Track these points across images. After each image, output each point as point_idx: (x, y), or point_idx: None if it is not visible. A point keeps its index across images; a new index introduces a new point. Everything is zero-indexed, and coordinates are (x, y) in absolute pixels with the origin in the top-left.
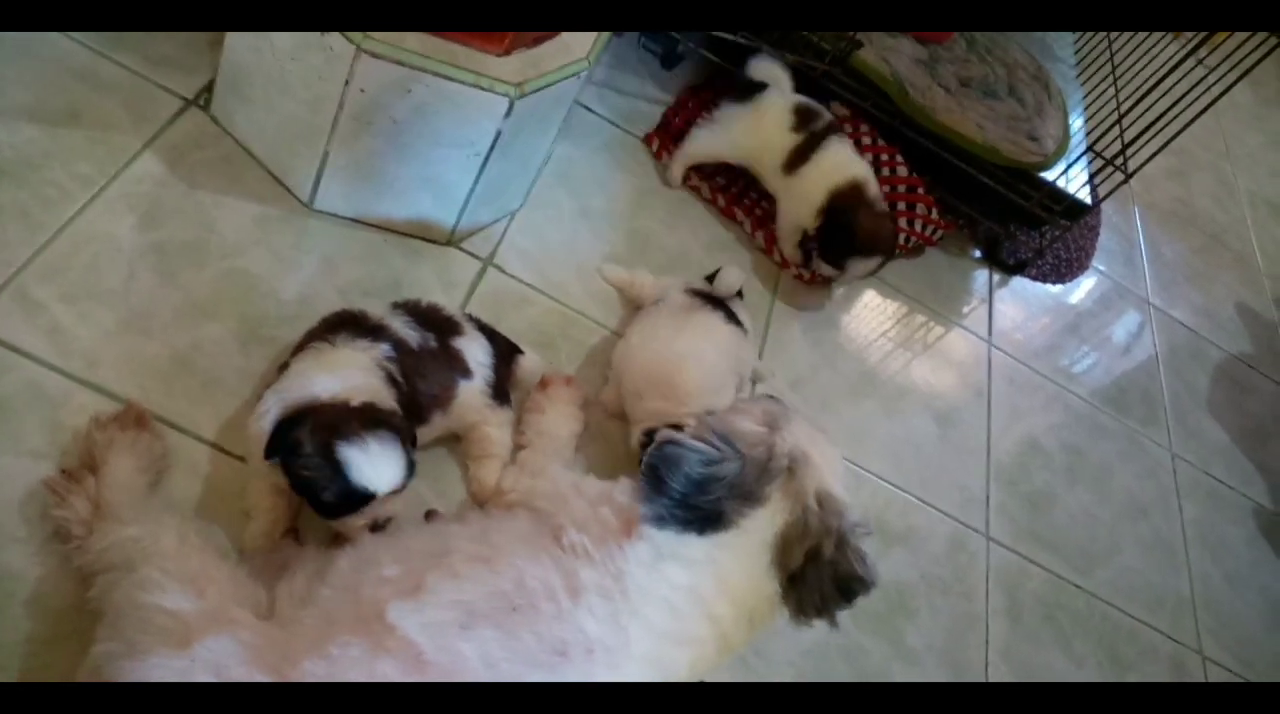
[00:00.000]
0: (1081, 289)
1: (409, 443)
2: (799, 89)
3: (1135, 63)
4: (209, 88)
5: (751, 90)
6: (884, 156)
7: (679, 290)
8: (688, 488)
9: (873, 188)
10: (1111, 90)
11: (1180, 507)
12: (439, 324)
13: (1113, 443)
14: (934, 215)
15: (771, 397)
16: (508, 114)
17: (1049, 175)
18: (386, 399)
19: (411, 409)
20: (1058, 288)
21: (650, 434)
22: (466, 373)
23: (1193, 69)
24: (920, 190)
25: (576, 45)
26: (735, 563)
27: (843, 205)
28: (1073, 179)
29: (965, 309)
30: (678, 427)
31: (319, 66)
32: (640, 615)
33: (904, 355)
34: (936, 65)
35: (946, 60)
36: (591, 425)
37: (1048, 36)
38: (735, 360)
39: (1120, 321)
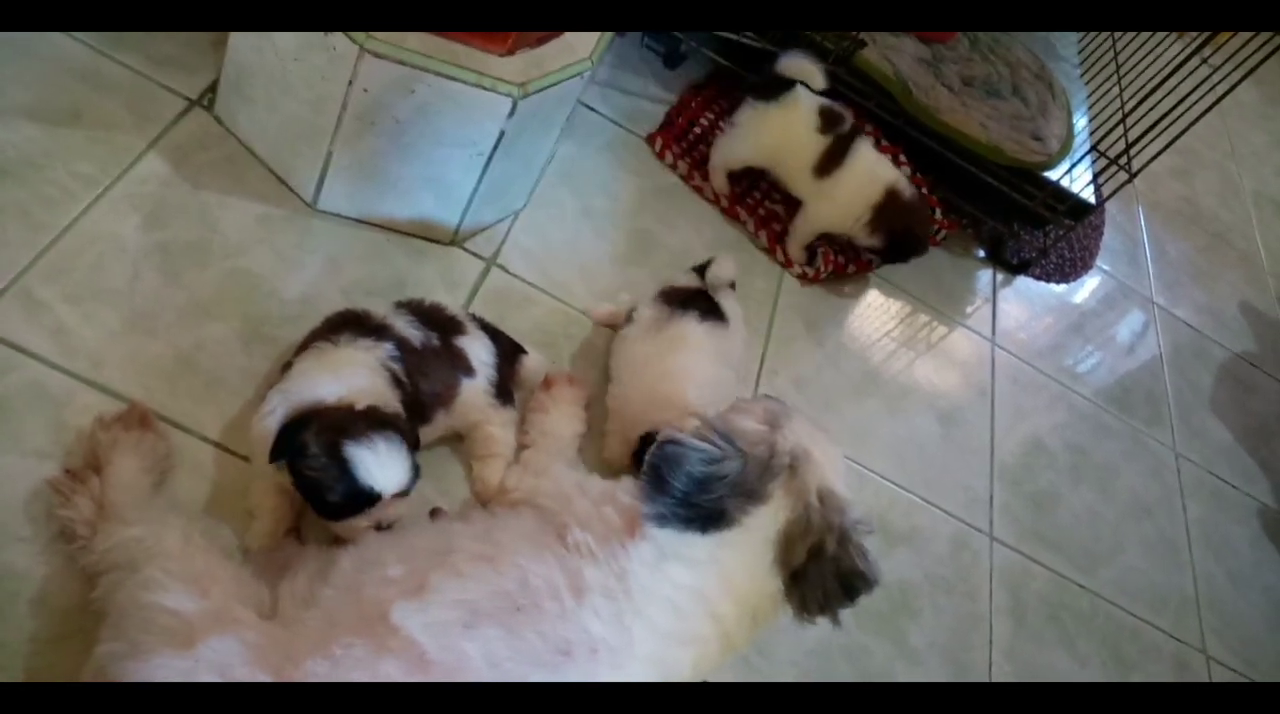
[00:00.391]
0: (1085, 288)
1: (413, 446)
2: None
3: (1139, 61)
4: (212, 88)
5: (779, 88)
6: (888, 157)
7: (647, 300)
8: (690, 487)
9: (903, 183)
10: (1115, 89)
11: (1184, 506)
12: (442, 323)
13: (1117, 442)
14: (938, 215)
15: (771, 396)
16: (511, 114)
17: (1053, 175)
18: (391, 401)
19: (415, 408)
20: (1061, 287)
21: (647, 438)
22: (470, 372)
23: (1197, 68)
24: (924, 190)
25: (579, 45)
26: (738, 561)
27: (899, 227)
28: (1076, 178)
29: (969, 308)
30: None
31: (322, 66)
32: (644, 615)
33: (907, 355)
34: (940, 65)
35: (950, 60)
36: (594, 425)
37: (1051, 35)
38: (726, 357)
39: (1124, 321)
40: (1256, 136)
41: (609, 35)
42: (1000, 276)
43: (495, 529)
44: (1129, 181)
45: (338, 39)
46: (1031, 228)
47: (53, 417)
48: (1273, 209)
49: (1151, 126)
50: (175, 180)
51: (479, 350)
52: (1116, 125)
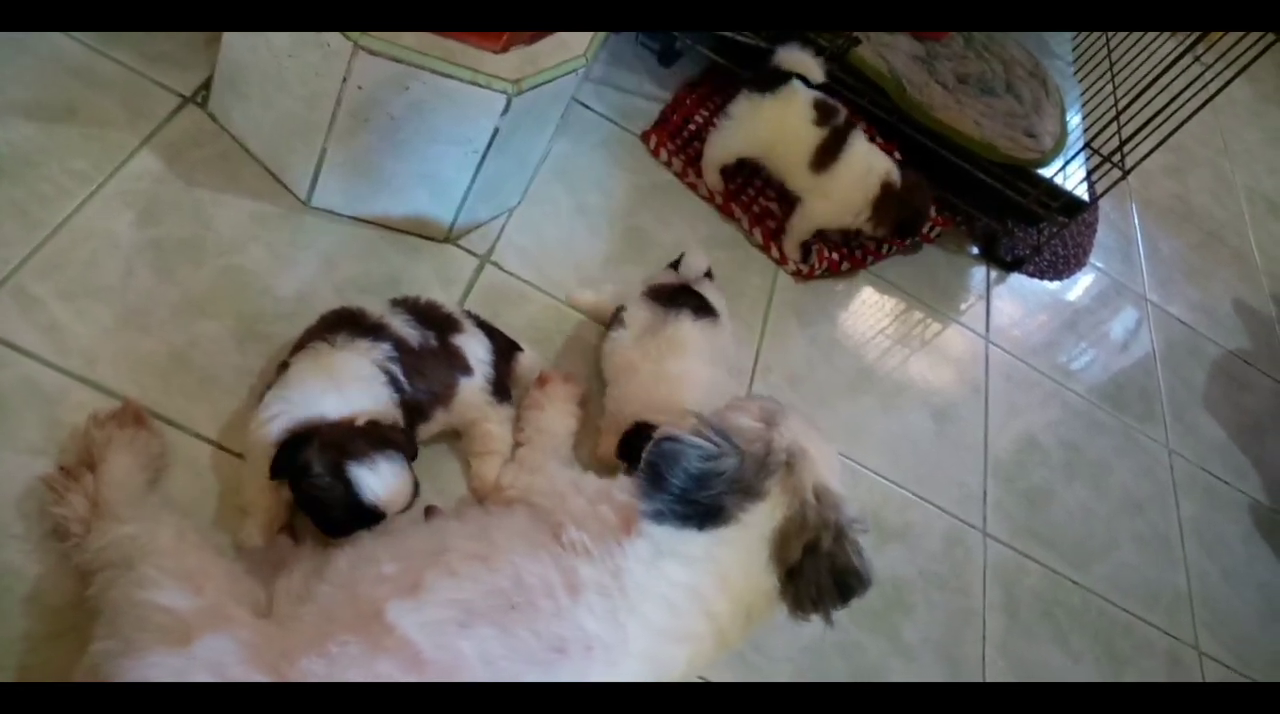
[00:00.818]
0: (1079, 286)
1: (412, 457)
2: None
3: (1133, 59)
4: (206, 85)
5: (775, 81)
6: (878, 148)
7: (635, 300)
8: (687, 483)
9: (895, 172)
10: (1109, 87)
11: (1177, 503)
12: (438, 321)
13: (1110, 439)
14: (932, 212)
15: (765, 396)
16: (505, 111)
17: (1046, 172)
18: (391, 410)
19: (414, 407)
20: (1055, 284)
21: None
22: (467, 370)
23: (1190, 65)
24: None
25: (574, 42)
26: (734, 559)
27: (903, 213)
28: (1070, 175)
29: (963, 306)
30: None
31: (316, 63)
32: (639, 613)
33: (902, 352)
34: (934, 62)
35: (944, 57)
36: (589, 422)
37: (1045, 33)
38: (720, 355)
39: (1118, 318)
40: (1249, 134)
41: (603, 33)
42: (994, 273)
43: (490, 528)
44: (1122, 178)
45: (332, 36)
46: (1025, 225)
47: (46, 414)
48: (1266, 206)
49: (1145, 124)
50: (169, 177)
51: (476, 348)
52: (1110, 122)
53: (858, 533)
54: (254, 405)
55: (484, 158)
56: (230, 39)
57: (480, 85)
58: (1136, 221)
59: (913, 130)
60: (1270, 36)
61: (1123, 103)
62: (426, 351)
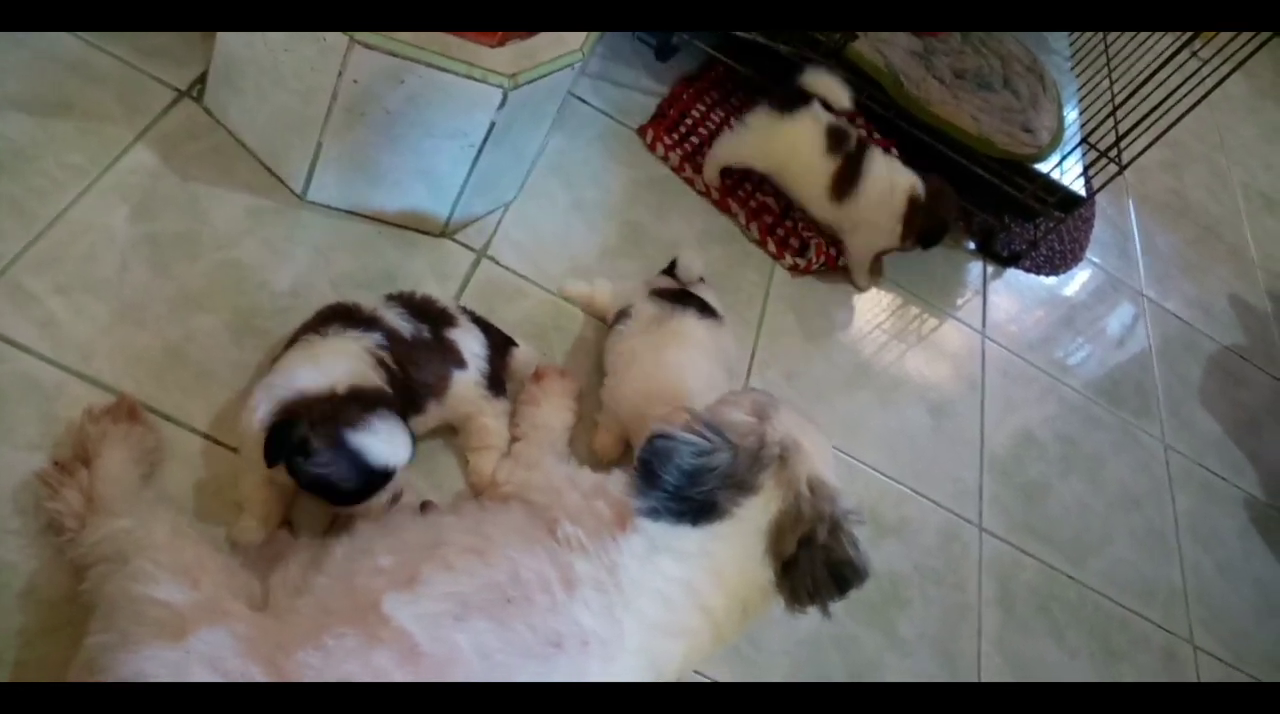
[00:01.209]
0: (1075, 281)
1: (397, 411)
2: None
3: (1130, 55)
4: (201, 79)
5: (794, 103)
6: (894, 155)
7: (642, 297)
8: (680, 480)
9: (918, 184)
10: (1106, 82)
11: (1173, 498)
12: (432, 316)
13: (1106, 434)
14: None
15: (758, 390)
16: (501, 105)
17: (1043, 167)
18: (371, 378)
19: (407, 397)
20: (1052, 280)
21: None
22: (460, 363)
23: (1187, 61)
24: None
25: (570, 36)
26: (729, 554)
27: (928, 224)
28: (1067, 171)
29: (959, 301)
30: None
31: (312, 58)
32: (634, 608)
33: (898, 347)
34: (931, 57)
35: (941, 52)
36: (585, 417)
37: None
38: (723, 356)
39: (1114, 314)
40: (1246, 129)
41: None
42: (991, 269)
43: (486, 522)
44: (1119, 174)
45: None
46: (1022, 220)
47: (42, 408)
48: (1262, 202)
49: (1141, 119)
50: (164, 171)
51: (470, 342)
52: (1107, 118)
53: (854, 524)
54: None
55: (480, 152)
56: (225, 33)
57: (476, 79)
58: (1133, 217)
59: (909, 125)
60: (1266, 33)
61: (1119, 98)
62: (419, 343)
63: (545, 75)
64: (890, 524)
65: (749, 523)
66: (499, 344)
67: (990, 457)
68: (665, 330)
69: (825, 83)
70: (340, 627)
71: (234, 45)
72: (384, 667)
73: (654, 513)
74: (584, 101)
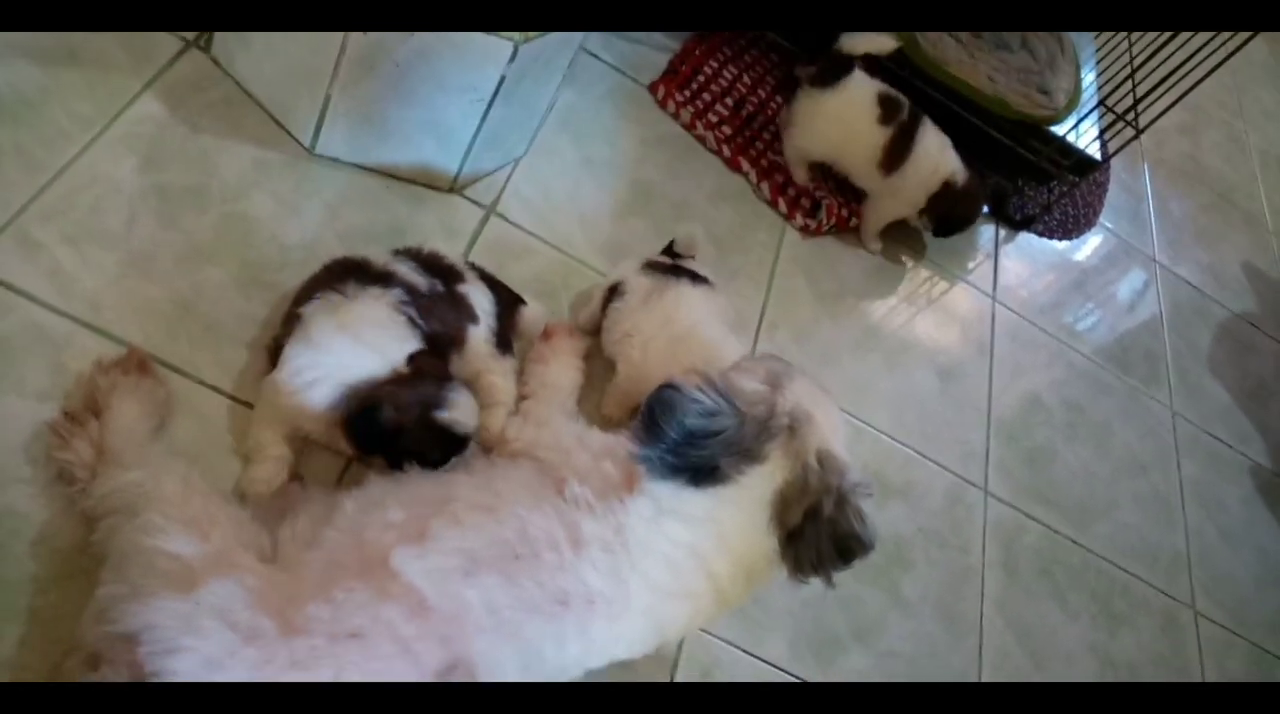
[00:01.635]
0: (1088, 246)
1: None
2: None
3: None
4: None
5: (835, 73)
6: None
7: (634, 272)
8: (681, 435)
9: (959, 172)
10: (1125, 44)
11: (1179, 464)
12: (442, 271)
13: (1114, 400)
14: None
15: (774, 356)
16: (512, 59)
17: (1059, 130)
18: (413, 343)
19: (434, 345)
20: (1064, 244)
21: None
22: (474, 318)
23: None
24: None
25: None
26: (734, 520)
27: (950, 212)
28: (1083, 134)
29: (970, 264)
30: None
31: None
32: (640, 570)
33: (908, 310)
34: None
35: None
36: (593, 376)
37: None
38: (724, 314)
39: (1125, 279)
40: (1266, 95)
41: None
42: (1003, 232)
43: (496, 479)
44: (1135, 138)
45: None
46: (1035, 183)
47: (52, 359)
48: (1278, 169)
49: (1160, 82)
50: (172, 122)
51: (480, 298)
52: (1125, 81)
53: (862, 497)
54: (261, 355)
55: (490, 106)
56: None
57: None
58: (1148, 181)
59: (925, 84)
60: None
61: (1138, 61)
62: (436, 296)
63: None
64: (896, 486)
65: (755, 491)
66: (507, 302)
67: (997, 421)
68: (665, 299)
69: (863, 38)
70: (350, 580)
71: None
72: (393, 620)
73: (649, 463)
74: (595, 57)
